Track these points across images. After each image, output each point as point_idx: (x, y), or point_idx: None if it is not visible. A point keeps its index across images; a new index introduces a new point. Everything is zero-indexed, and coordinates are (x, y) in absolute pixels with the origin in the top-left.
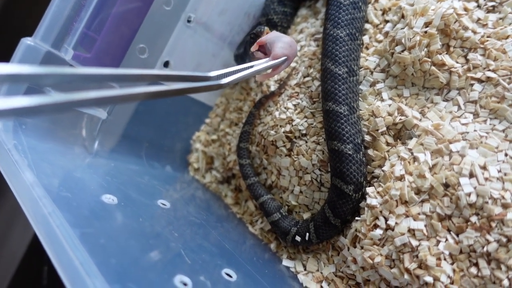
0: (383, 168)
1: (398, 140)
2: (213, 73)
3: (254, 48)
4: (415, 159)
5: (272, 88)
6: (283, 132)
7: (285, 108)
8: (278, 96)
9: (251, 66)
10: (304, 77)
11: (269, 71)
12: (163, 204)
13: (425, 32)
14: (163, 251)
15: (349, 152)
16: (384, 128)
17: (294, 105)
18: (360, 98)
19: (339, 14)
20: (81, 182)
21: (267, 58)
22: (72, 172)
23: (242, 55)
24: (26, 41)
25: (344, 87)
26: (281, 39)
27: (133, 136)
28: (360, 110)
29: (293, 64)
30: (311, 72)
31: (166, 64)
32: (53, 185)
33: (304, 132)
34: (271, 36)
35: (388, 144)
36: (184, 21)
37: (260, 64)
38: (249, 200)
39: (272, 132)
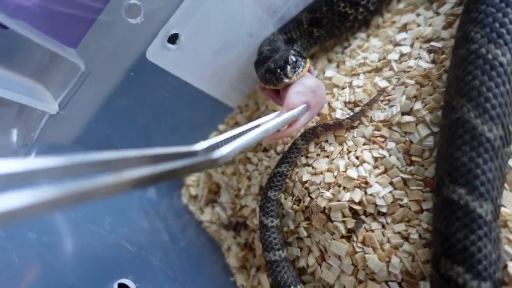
0: None
1: None
2: (199, 146)
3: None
4: None
5: (339, 114)
6: (348, 201)
7: (356, 158)
8: (346, 131)
9: (258, 125)
10: (403, 114)
11: (285, 127)
12: None
13: None
14: None
15: None
16: None
17: (375, 158)
18: (506, 185)
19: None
20: None
21: (277, 112)
22: None
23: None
24: None
25: (493, 166)
26: (302, 81)
27: (99, 139)
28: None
29: (383, 84)
30: (417, 110)
31: (172, 39)
32: None
33: (384, 210)
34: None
35: None
36: None
37: (268, 121)
38: (263, 271)
39: (328, 193)
